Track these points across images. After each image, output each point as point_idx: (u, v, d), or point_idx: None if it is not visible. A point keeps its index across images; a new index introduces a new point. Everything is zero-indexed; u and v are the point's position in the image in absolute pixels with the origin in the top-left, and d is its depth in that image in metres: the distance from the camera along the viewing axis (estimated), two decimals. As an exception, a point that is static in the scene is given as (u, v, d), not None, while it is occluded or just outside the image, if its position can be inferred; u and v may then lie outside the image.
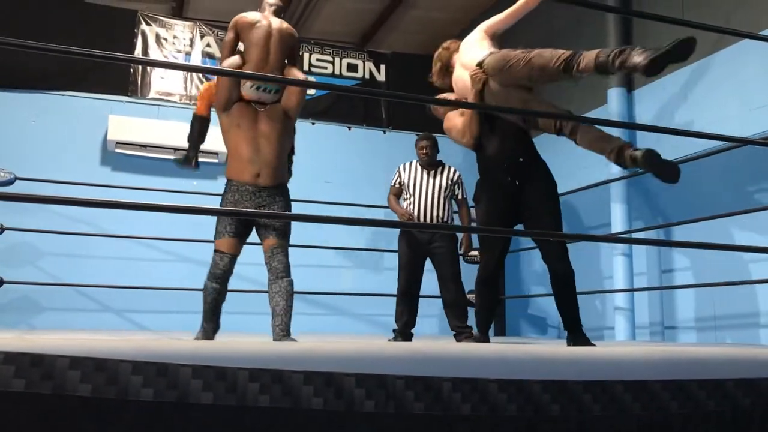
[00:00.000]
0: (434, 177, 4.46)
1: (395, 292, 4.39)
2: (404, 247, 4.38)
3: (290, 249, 3.32)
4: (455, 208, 4.58)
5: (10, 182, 5.12)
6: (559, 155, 5.29)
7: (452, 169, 4.54)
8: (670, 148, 4.86)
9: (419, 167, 4.52)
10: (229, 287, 3.29)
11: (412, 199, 4.46)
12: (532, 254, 6.07)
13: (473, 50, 3.32)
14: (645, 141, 5.28)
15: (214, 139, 5.91)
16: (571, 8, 5.57)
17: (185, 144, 3.86)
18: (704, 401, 1.51)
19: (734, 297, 4.39)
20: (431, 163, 4.50)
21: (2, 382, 1.17)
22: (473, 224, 4.53)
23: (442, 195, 4.43)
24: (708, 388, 1.53)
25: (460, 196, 4.55)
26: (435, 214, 4.40)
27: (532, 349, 1.60)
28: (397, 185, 4.56)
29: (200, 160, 3.89)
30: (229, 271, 3.26)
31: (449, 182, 4.46)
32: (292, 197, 3.40)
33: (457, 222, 4.73)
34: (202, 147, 3.87)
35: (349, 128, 6.72)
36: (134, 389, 1.21)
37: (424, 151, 4.49)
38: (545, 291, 3.77)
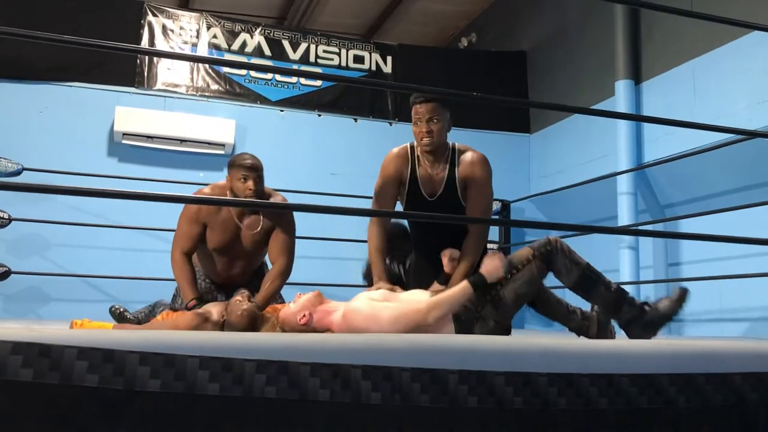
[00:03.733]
0: None
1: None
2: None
3: (300, 241, 3.32)
4: None
5: (17, 173, 5.13)
6: (565, 147, 5.27)
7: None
8: (677, 141, 4.85)
9: None
10: None
11: None
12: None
13: None
14: (652, 133, 5.26)
15: (220, 131, 5.97)
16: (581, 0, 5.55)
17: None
18: (712, 395, 1.51)
19: (741, 290, 4.38)
20: None
21: (10, 371, 1.17)
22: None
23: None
24: (715, 382, 1.52)
25: None
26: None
27: (538, 342, 1.60)
28: None
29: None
30: None
31: None
32: (298, 189, 3.40)
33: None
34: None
35: (356, 120, 6.70)
36: (141, 380, 1.22)
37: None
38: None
